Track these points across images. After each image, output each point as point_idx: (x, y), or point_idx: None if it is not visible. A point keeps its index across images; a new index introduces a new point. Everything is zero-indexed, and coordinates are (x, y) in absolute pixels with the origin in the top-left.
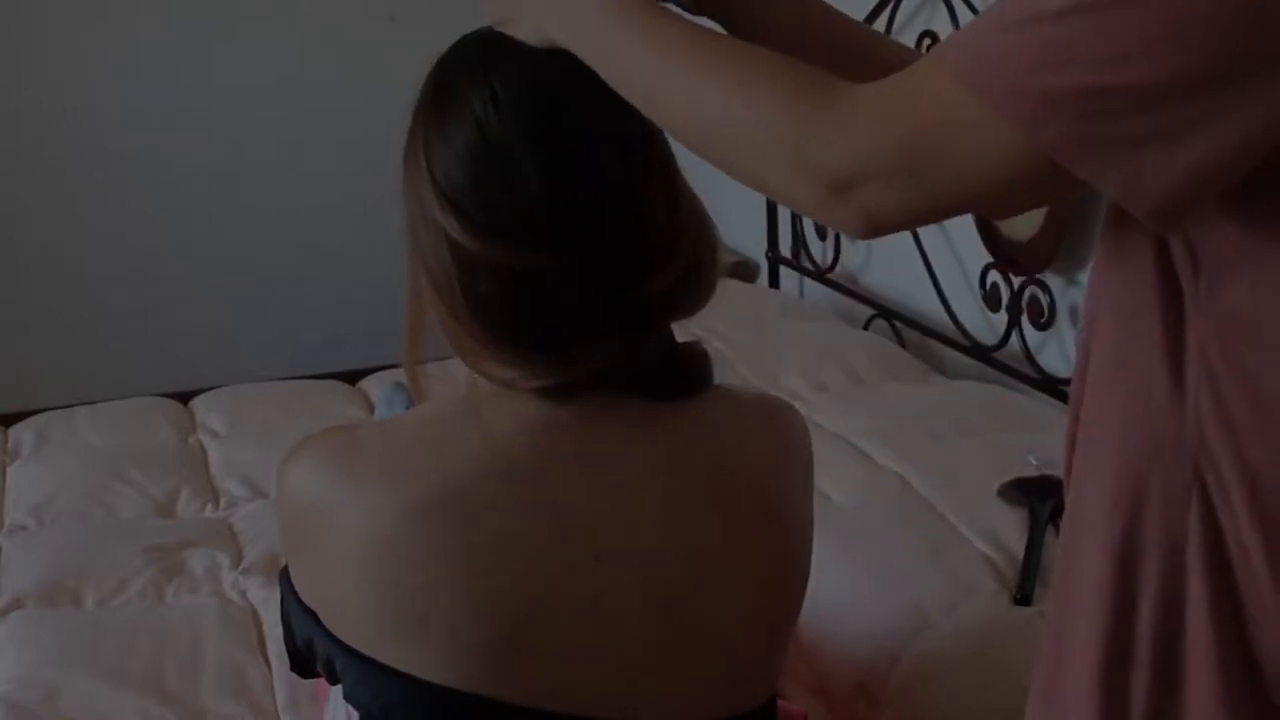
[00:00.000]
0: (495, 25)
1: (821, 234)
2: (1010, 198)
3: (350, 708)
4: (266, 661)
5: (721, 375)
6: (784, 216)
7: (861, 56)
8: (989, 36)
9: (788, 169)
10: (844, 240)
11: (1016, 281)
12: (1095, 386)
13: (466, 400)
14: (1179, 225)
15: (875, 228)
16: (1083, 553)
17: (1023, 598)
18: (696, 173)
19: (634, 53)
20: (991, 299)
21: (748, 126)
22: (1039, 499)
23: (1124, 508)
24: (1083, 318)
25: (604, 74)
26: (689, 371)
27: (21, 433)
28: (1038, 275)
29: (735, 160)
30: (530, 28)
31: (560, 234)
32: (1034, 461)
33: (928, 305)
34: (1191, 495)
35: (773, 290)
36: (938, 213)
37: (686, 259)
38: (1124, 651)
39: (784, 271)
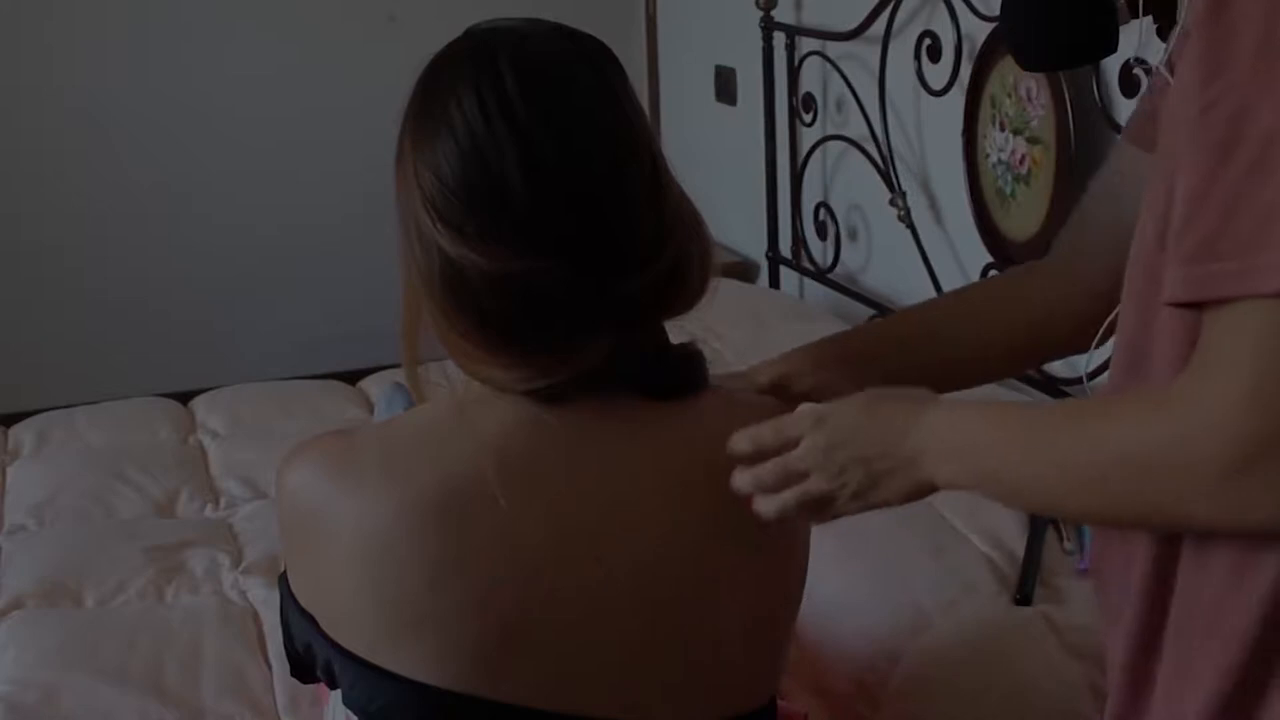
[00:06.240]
0: (857, 493)
1: (822, 234)
2: None
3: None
4: (266, 662)
5: None
6: (784, 216)
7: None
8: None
9: (1181, 497)
10: (844, 240)
11: None
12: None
13: (462, 402)
14: None
15: None
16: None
17: (1023, 598)
18: (697, 174)
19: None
20: None
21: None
22: None
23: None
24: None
25: (1027, 501)
26: (683, 371)
27: (21, 433)
28: None
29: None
30: (910, 482)
31: (550, 238)
32: None
33: None
34: None
35: (773, 290)
36: None
37: (675, 255)
38: None
39: (784, 271)
